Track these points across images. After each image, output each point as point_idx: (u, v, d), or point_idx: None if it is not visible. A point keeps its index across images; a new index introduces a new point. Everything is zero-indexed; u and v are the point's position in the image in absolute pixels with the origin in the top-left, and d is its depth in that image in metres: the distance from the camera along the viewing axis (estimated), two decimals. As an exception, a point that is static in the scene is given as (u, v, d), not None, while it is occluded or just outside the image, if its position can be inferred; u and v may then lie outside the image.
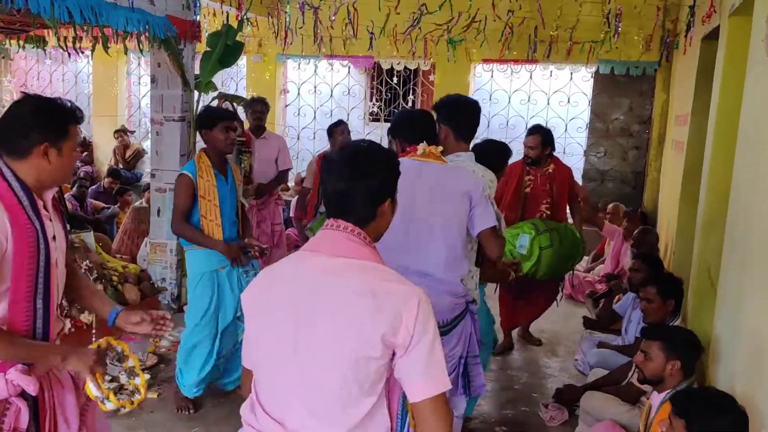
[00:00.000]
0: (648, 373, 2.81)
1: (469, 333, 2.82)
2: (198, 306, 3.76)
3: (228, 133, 3.73)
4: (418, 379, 1.50)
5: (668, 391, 2.73)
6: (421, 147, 2.73)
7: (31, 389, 1.94)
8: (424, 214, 2.66)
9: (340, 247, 1.58)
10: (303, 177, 6.28)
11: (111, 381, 2.07)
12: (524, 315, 5.12)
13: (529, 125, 8.41)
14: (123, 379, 2.10)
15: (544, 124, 8.43)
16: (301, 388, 1.53)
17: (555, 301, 5.17)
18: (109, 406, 2.02)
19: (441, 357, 1.53)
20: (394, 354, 1.51)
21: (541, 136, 4.83)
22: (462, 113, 2.95)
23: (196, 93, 5.57)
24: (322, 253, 1.59)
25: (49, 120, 1.94)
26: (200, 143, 6.12)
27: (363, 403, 1.51)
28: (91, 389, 2.01)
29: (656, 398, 2.81)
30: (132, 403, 2.08)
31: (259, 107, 5.86)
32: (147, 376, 2.07)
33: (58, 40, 5.17)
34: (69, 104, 2.01)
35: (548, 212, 4.87)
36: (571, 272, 5.36)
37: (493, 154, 3.59)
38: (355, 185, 1.60)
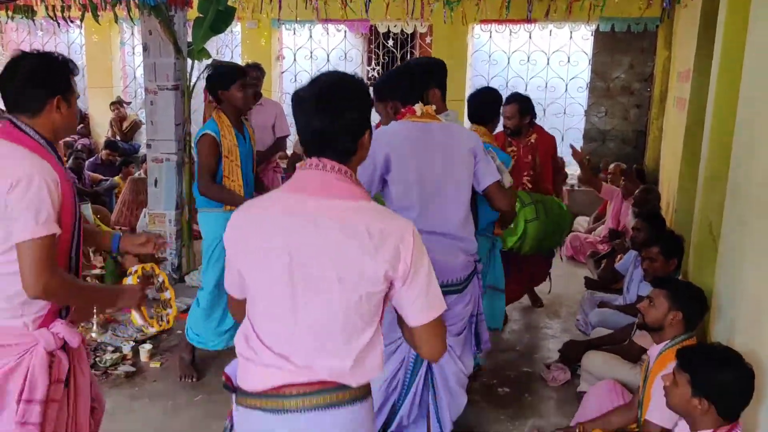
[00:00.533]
0: (649, 319, 2.82)
1: (478, 293, 2.90)
2: (217, 268, 3.68)
3: (245, 89, 3.65)
4: (419, 306, 1.59)
5: (666, 342, 2.74)
6: (419, 108, 2.71)
7: (75, 342, 2.08)
8: (437, 175, 2.67)
9: (333, 188, 1.57)
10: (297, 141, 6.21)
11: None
12: (509, 292, 4.61)
13: (529, 86, 8.36)
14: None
15: (544, 85, 8.39)
16: (304, 326, 1.56)
17: (546, 281, 4.99)
18: (152, 330, 2.50)
19: (435, 281, 1.61)
20: (391, 284, 1.57)
21: (518, 104, 4.59)
22: (446, 75, 3.06)
23: (189, 61, 5.48)
24: (314, 194, 1.57)
25: (54, 74, 2.02)
26: (197, 112, 6.09)
27: (365, 333, 1.58)
28: (137, 319, 2.31)
29: (654, 349, 2.82)
30: (168, 322, 2.46)
31: (254, 73, 5.77)
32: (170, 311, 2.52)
33: (47, 9, 5.09)
34: (62, 57, 2.07)
35: (530, 185, 4.68)
36: (559, 246, 5.15)
37: (489, 103, 3.68)
38: (333, 122, 1.57)
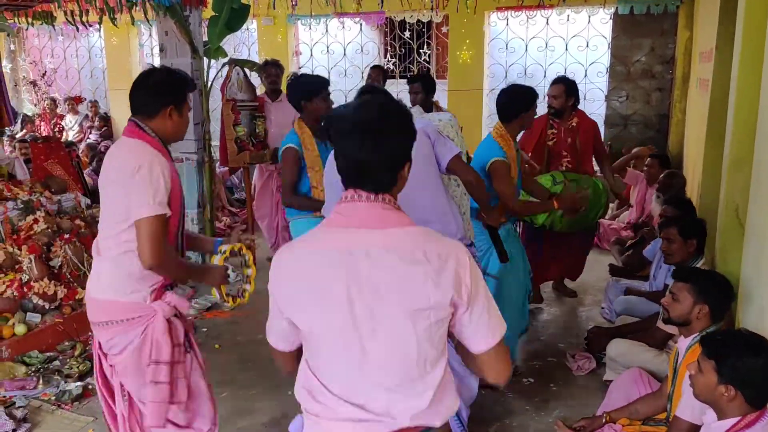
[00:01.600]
0: (674, 315, 2.74)
1: None
2: None
3: (327, 100, 3.76)
4: (483, 331, 1.52)
5: (695, 335, 2.67)
6: None
7: (185, 307, 2.45)
8: None
9: (381, 218, 1.49)
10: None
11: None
12: (554, 270, 5.04)
13: (548, 73, 8.27)
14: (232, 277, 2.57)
15: (563, 71, 8.28)
16: (375, 368, 1.48)
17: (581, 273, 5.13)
18: (226, 306, 2.76)
19: (493, 302, 1.55)
20: (453, 312, 1.51)
21: (564, 85, 4.75)
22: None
23: (206, 60, 5.51)
24: (362, 227, 1.49)
25: (172, 87, 2.40)
26: (216, 111, 6.11)
27: (439, 363, 1.52)
28: (216, 294, 2.55)
29: (683, 342, 2.75)
30: (244, 297, 2.65)
31: (273, 70, 5.82)
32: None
33: (65, 14, 5.15)
34: (183, 74, 2.46)
35: (570, 166, 4.78)
36: (597, 229, 5.25)
37: (519, 96, 3.65)
38: (376, 154, 1.48)
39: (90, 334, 3.67)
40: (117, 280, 2.33)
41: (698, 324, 2.68)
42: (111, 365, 2.45)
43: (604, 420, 2.96)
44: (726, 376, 2.11)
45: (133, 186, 2.22)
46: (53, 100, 10.32)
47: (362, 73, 8.91)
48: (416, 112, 3.14)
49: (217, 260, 2.55)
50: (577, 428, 3.00)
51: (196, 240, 2.73)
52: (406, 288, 1.44)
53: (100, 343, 2.45)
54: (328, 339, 1.50)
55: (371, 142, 1.47)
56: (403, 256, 1.45)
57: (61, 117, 10.14)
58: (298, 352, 1.63)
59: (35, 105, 10.48)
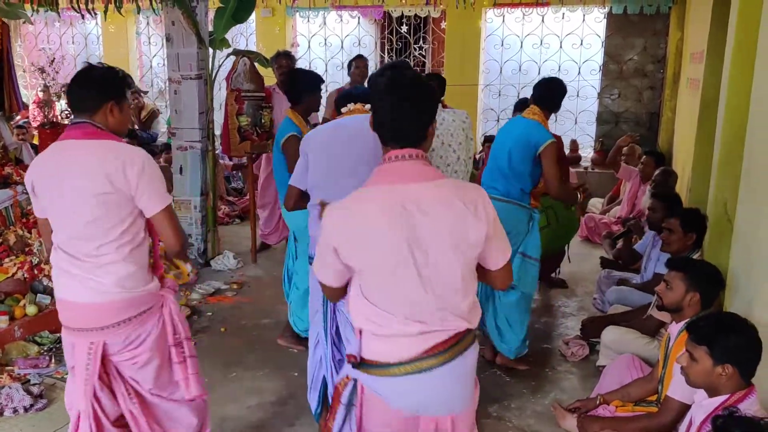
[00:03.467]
0: (667, 301, 2.92)
1: None
2: None
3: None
4: (500, 252, 1.93)
5: (686, 320, 2.83)
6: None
7: (175, 288, 2.58)
8: (349, 158, 2.80)
9: (420, 173, 1.84)
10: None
11: None
12: None
13: (542, 69, 8.41)
14: None
15: (557, 68, 8.44)
16: (432, 296, 1.83)
17: (554, 273, 5.36)
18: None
19: (502, 227, 1.93)
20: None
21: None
22: None
23: (211, 50, 5.60)
24: (407, 182, 1.82)
25: (112, 83, 2.39)
26: (218, 100, 6.20)
27: (475, 284, 1.93)
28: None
29: (674, 328, 2.92)
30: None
31: (284, 61, 5.94)
32: None
33: (71, 1, 5.21)
34: (122, 72, 2.47)
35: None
36: (567, 246, 5.39)
37: (562, 90, 3.85)
38: (413, 112, 1.85)
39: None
40: (130, 277, 2.34)
41: (689, 310, 2.85)
42: (118, 363, 2.40)
43: (598, 401, 3.13)
44: (720, 357, 2.26)
45: (141, 183, 2.26)
46: (47, 88, 10.31)
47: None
48: (447, 117, 3.24)
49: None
50: (572, 409, 3.17)
51: None
52: (453, 229, 1.81)
53: (105, 346, 2.36)
54: (389, 277, 1.83)
55: (408, 102, 1.85)
56: (445, 204, 1.81)
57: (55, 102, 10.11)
58: (346, 286, 2.00)
59: (36, 91, 10.44)
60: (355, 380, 1.96)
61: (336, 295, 2.07)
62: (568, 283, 5.38)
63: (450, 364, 1.88)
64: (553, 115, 3.96)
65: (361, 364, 1.93)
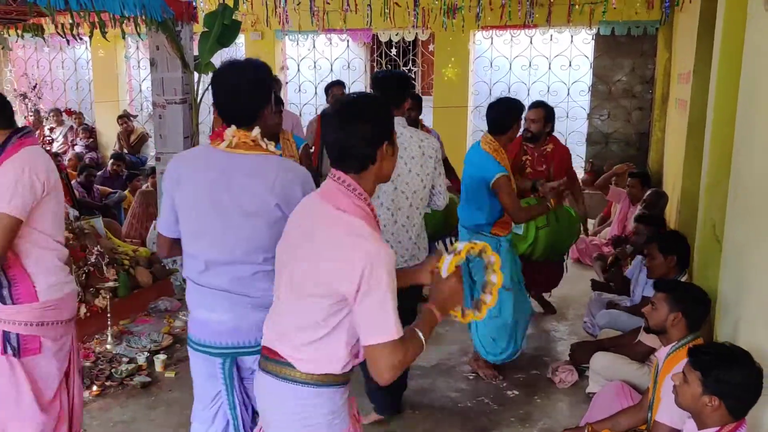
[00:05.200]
0: (652, 323, 2.88)
1: None
2: None
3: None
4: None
5: (673, 344, 2.78)
6: (230, 132, 2.24)
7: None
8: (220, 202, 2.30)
9: (333, 197, 1.81)
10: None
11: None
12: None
13: (531, 91, 8.43)
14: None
15: (546, 90, 8.47)
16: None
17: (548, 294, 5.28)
18: (456, 319, 2.00)
19: (389, 309, 1.69)
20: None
21: (544, 110, 4.70)
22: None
23: (196, 74, 5.56)
24: (322, 200, 1.83)
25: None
26: (204, 124, 6.16)
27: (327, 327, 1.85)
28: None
29: (662, 352, 2.86)
30: (480, 311, 2.00)
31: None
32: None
33: (56, 27, 5.18)
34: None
35: None
36: (567, 253, 5.26)
37: (512, 108, 3.78)
38: (348, 131, 1.78)
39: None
40: None
41: (674, 332, 2.79)
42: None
43: (586, 431, 3.04)
44: (711, 388, 2.19)
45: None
46: (37, 112, 10.29)
47: (348, 89, 8.96)
48: (400, 122, 3.19)
49: (448, 261, 1.89)
50: (561, 439, 3.09)
51: (407, 274, 2.14)
52: (321, 256, 1.79)
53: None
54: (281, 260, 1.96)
55: (343, 122, 1.79)
56: (321, 233, 1.79)
57: (51, 129, 10.09)
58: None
59: (25, 117, 10.43)
60: None
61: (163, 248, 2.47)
62: (559, 306, 5.30)
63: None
64: None
65: None
